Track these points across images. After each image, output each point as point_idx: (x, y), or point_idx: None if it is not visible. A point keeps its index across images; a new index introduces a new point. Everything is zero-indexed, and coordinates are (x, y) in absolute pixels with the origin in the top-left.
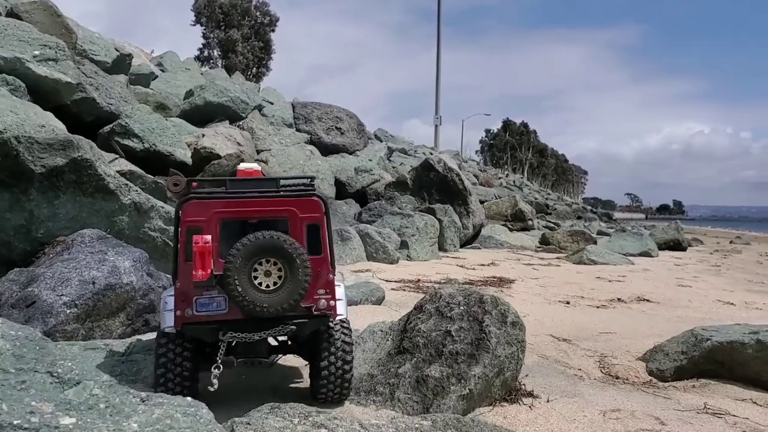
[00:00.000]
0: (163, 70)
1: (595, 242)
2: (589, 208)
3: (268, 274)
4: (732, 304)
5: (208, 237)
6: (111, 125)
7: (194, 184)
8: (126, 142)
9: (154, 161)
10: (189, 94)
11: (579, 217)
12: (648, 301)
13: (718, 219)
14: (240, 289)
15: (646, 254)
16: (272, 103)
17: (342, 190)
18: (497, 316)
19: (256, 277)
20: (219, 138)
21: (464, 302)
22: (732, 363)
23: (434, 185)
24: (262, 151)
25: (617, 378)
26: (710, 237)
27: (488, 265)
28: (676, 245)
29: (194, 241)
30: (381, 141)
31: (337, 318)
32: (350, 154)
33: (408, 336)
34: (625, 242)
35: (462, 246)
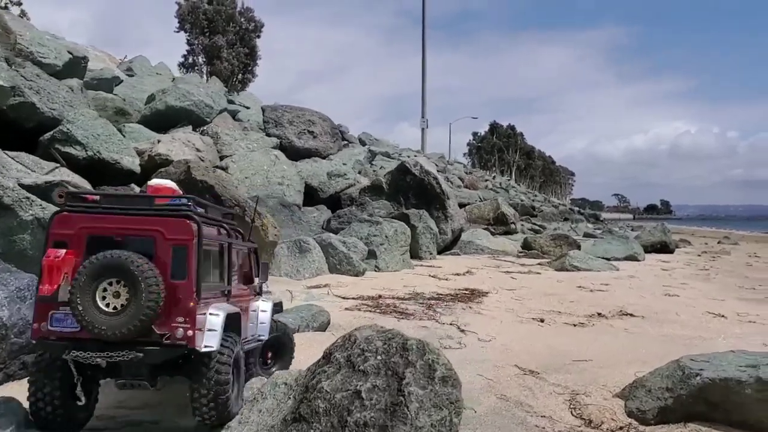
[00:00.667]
0: (131, 75)
1: (578, 247)
2: (576, 209)
3: (117, 295)
4: (723, 316)
5: (62, 252)
6: (52, 132)
7: (60, 198)
8: (68, 149)
9: (98, 170)
10: (151, 98)
11: (566, 219)
12: (631, 315)
13: (706, 218)
14: (80, 309)
15: (632, 258)
16: (248, 108)
17: (314, 195)
18: (423, 369)
19: (104, 298)
20: (176, 144)
21: (383, 349)
22: (728, 405)
23: (411, 189)
24: (225, 156)
25: (590, 423)
26: (698, 237)
27: (463, 274)
28: (663, 247)
29: (46, 254)
30: (364, 144)
31: (204, 350)
32: (323, 158)
33: (307, 398)
34: (611, 246)
35: (440, 252)
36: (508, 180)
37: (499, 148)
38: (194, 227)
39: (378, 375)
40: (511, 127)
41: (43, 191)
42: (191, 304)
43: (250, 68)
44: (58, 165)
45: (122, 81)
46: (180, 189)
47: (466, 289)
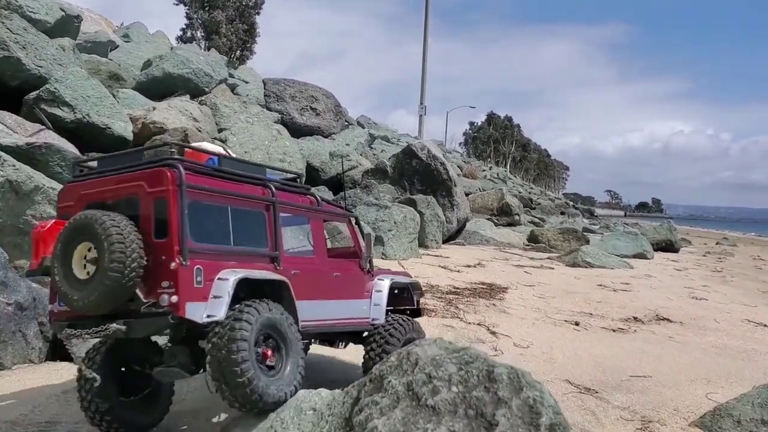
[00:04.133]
0: (127, 41)
1: (587, 242)
2: (571, 203)
3: (94, 261)
4: (766, 326)
5: (49, 222)
6: (38, 91)
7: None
8: (54, 110)
9: (87, 134)
10: (147, 64)
11: (562, 213)
12: (668, 320)
13: (696, 218)
14: (57, 279)
15: (641, 256)
16: (247, 82)
17: (314, 175)
18: (521, 411)
19: (85, 266)
20: (172, 112)
21: (459, 378)
22: None
23: (416, 174)
24: (224, 129)
25: None
26: (694, 237)
27: (474, 266)
28: (669, 246)
29: (35, 226)
30: (363, 127)
31: (206, 320)
32: (326, 137)
33: None
34: (619, 242)
35: (445, 242)
36: (505, 171)
37: (495, 138)
38: (174, 176)
39: (455, 415)
40: (508, 119)
41: (25, 154)
42: (173, 264)
43: (248, 45)
44: (43, 127)
45: (118, 46)
46: (232, 155)
47: (483, 284)
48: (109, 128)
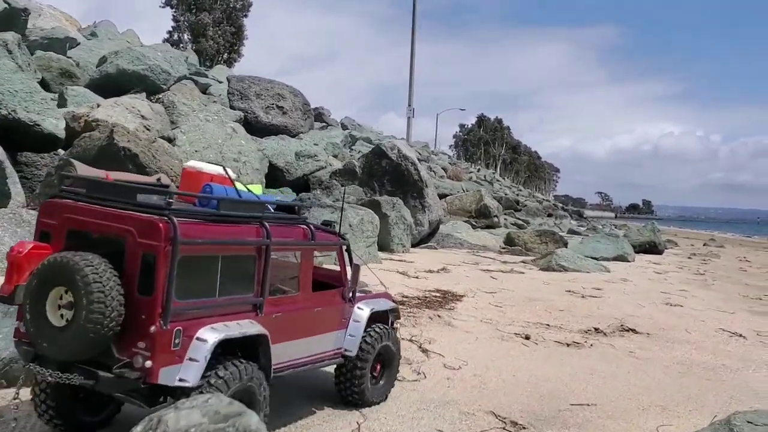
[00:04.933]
0: (90, 39)
1: (565, 244)
2: (560, 205)
3: (70, 306)
4: (741, 336)
5: (29, 244)
6: None
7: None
8: None
9: (12, 132)
10: (102, 61)
11: (550, 215)
12: (634, 332)
13: (686, 219)
14: (28, 317)
15: (621, 258)
16: (221, 82)
17: (279, 176)
18: None
19: (60, 307)
20: (117, 110)
21: None
22: None
23: (386, 174)
24: (177, 128)
25: None
26: (682, 238)
27: (438, 271)
28: (652, 248)
29: (11, 248)
30: (346, 129)
31: (177, 383)
32: (293, 136)
33: None
34: (599, 244)
35: (416, 245)
36: (493, 173)
37: (485, 141)
38: (167, 230)
39: None
40: (499, 121)
41: None
42: (153, 327)
43: (236, 48)
44: None
45: (79, 43)
46: (231, 177)
47: (438, 291)
48: (38, 125)
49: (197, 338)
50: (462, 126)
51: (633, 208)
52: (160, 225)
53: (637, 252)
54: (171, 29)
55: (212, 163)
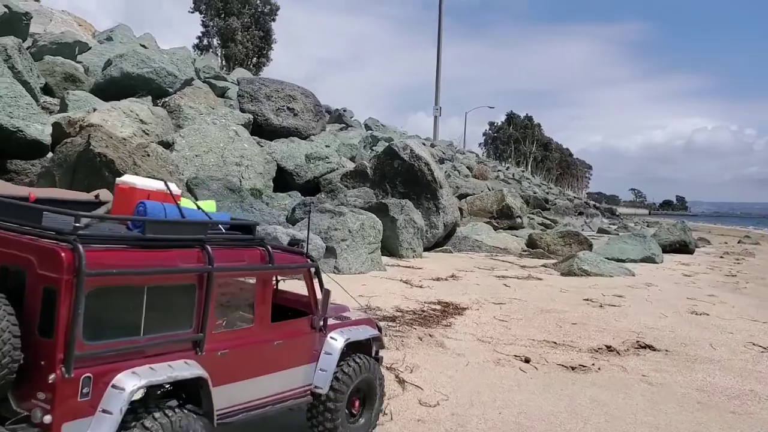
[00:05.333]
0: (101, 42)
1: (590, 246)
2: (592, 203)
3: None
4: None
5: None
6: None
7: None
8: None
9: None
10: (107, 64)
11: (581, 213)
12: (651, 348)
13: (721, 215)
14: None
15: (649, 260)
16: (238, 84)
17: (288, 180)
18: None
19: None
20: (114, 114)
21: None
22: None
23: (399, 176)
24: (176, 132)
25: None
26: (716, 235)
27: (447, 278)
28: (683, 247)
29: None
30: (370, 129)
31: None
32: (304, 138)
33: None
34: (626, 245)
35: (430, 249)
36: (523, 171)
37: (515, 138)
38: (71, 260)
39: None
40: (529, 118)
41: None
42: (53, 376)
43: (264, 51)
44: None
45: (90, 48)
46: (174, 193)
47: (439, 303)
48: (21, 132)
49: (113, 386)
50: (492, 124)
51: (667, 204)
52: (62, 253)
53: (667, 252)
54: (200, 35)
55: (155, 178)
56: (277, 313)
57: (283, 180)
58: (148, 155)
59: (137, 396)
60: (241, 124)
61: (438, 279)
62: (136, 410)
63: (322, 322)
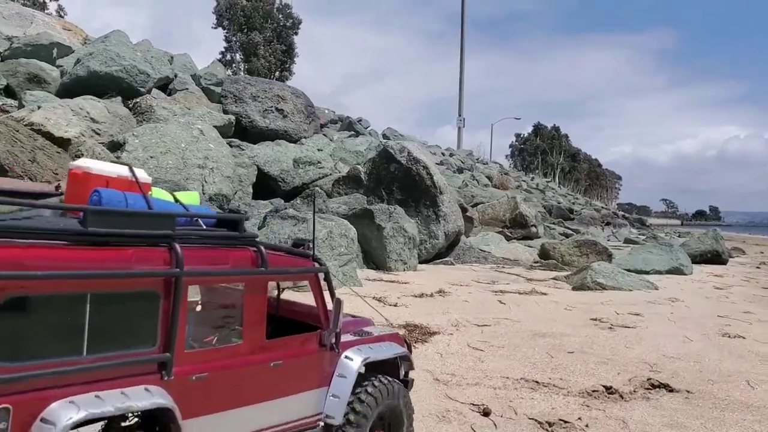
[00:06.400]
0: (84, 45)
1: (609, 256)
2: (621, 213)
3: None
4: None
5: None
6: None
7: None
8: None
9: None
10: (77, 63)
11: (608, 223)
12: (668, 389)
13: (756, 225)
14: None
15: (676, 271)
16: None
17: (272, 186)
18: None
19: None
20: (59, 111)
21: None
22: None
23: (395, 181)
24: (129, 131)
25: None
26: (751, 245)
27: (431, 295)
28: (715, 257)
29: None
30: (388, 139)
31: None
32: (294, 141)
33: None
34: (651, 256)
35: (430, 260)
36: (548, 181)
37: (542, 149)
38: None
39: None
40: (556, 129)
41: None
42: None
43: (287, 65)
44: None
45: (73, 51)
46: (140, 181)
47: (407, 326)
48: None
49: (42, 419)
50: (518, 135)
51: (699, 214)
52: None
53: (697, 262)
54: (223, 49)
55: (120, 163)
56: (283, 328)
57: (267, 186)
58: (52, 155)
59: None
60: (219, 126)
61: (421, 295)
62: None
63: (333, 338)
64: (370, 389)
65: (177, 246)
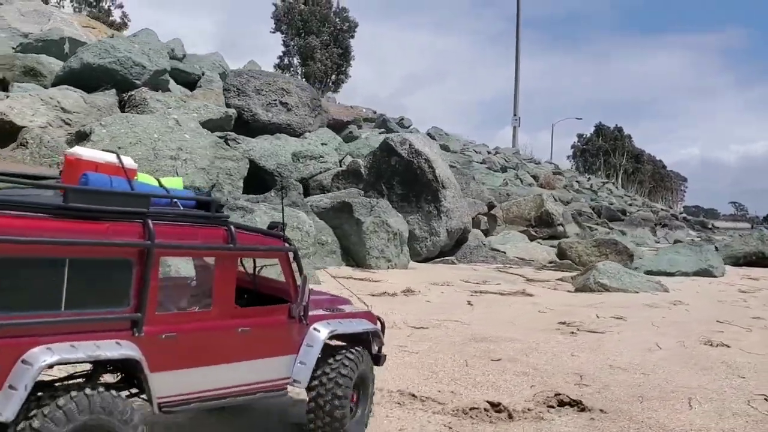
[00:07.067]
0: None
1: (630, 256)
2: (681, 215)
3: None
4: None
5: None
6: None
7: None
8: None
9: None
10: (72, 56)
11: (664, 225)
12: (579, 407)
13: None
14: None
15: (706, 273)
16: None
17: (268, 180)
18: None
19: None
20: (26, 101)
21: None
22: None
23: (396, 175)
24: (97, 120)
25: None
26: None
27: (395, 294)
28: (761, 259)
29: None
30: (434, 139)
31: None
32: (298, 135)
33: None
34: (677, 256)
35: (432, 258)
36: (604, 182)
37: (604, 150)
38: None
39: None
40: (619, 129)
41: None
42: None
43: (343, 69)
44: None
45: (85, 44)
46: (126, 167)
47: None
48: None
49: (23, 361)
50: (580, 136)
51: None
52: None
53: (740, 264)
54: (281, 54)
55: (107, 151)
56: (262, 302)
57: (262, 181)
58: (24, 145)
59: (63, 373)
60: (216, 119)
61: (381, 294)
62: (55, 389)
63: (302, 311)
64: (350, 356)
65: (150, 222)
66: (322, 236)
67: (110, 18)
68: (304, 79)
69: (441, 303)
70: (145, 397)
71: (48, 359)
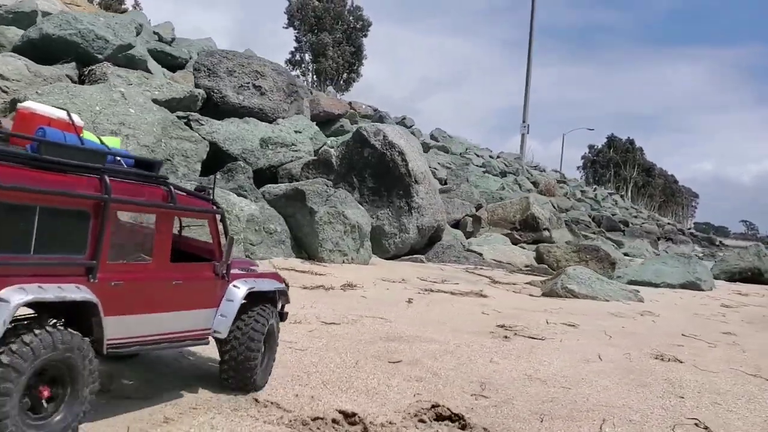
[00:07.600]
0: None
1: (612, 264)
2: (689, 230)
3: None
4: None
5: None
6: None
7: None
8: None
9: None
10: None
11: (668, 239)
12: (460, 423)
13: None
14: None
15: (692, 286)
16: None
17: (231, 166)
18: None
19: None
20: None
21: None
22: None
23: (368, 167)
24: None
25: None
26: None
27: (330, 288)
28: (756, 276)
29: None
30: (434, 140)
31: None
32: (271, 120)
33: None
34: (664, 267)
35: (401, 256)
36: (610, 193)
37: (615, 162)
38: None
39: None
40: (630, 141)
41: None
42: None
43: (355, 67)
44: None
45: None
46: (76, 124)
47: None
48: None
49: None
50: (591, 147)
51: None
52: None
53: (734, 280)
54: (293, 49)
55: (59, 108)
56: (182, 259)
57: (224, 165)
58: None
59: (28, 314)
60: (179, 98)
61: (316, 288)
62: (17, 328)
63: (225, 270)
64: (262, 312)
65: (106, 177)
66: (271, 225)
67: (122, 6)
68: (315, 76)
69: (377, 299)
70: (91, 339)
71: (24, 297)
